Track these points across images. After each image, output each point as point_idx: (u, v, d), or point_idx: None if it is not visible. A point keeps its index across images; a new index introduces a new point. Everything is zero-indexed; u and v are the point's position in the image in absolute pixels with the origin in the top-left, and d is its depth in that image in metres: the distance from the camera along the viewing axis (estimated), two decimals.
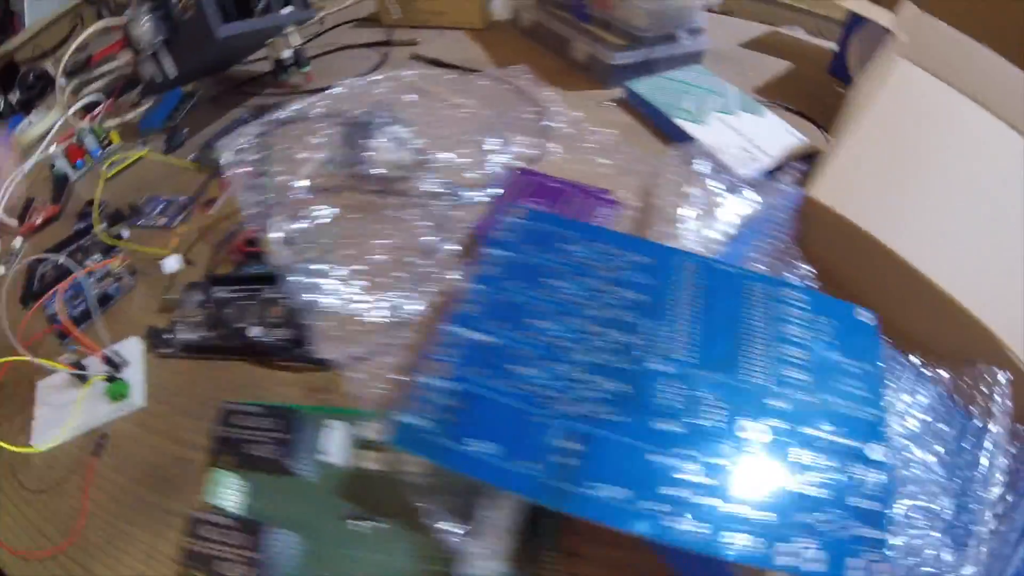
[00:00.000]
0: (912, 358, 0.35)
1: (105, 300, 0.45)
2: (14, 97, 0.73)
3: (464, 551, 0.24)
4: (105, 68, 0.67)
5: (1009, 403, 0.33)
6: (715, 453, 0.24)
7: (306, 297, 0.38)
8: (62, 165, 0.59)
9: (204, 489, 0.31)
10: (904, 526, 0.28)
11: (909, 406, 0.34)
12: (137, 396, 0.38)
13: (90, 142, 0.61)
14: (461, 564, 0.24)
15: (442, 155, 0.47)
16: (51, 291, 0.43)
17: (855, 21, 0.57)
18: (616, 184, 0.46)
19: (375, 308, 0.39)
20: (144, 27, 0.55)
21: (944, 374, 0.35)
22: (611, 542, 0.28)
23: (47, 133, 0.65)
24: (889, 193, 0.40)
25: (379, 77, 0.56)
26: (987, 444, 0.32)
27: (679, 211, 0.40)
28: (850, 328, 0.31)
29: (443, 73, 0.60)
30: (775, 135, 0.52)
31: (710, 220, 0.39)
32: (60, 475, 0.35)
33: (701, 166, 0.43)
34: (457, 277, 0.38)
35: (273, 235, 0.42)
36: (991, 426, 0.32)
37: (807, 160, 0.46)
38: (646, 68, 0.58)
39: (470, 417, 0.25)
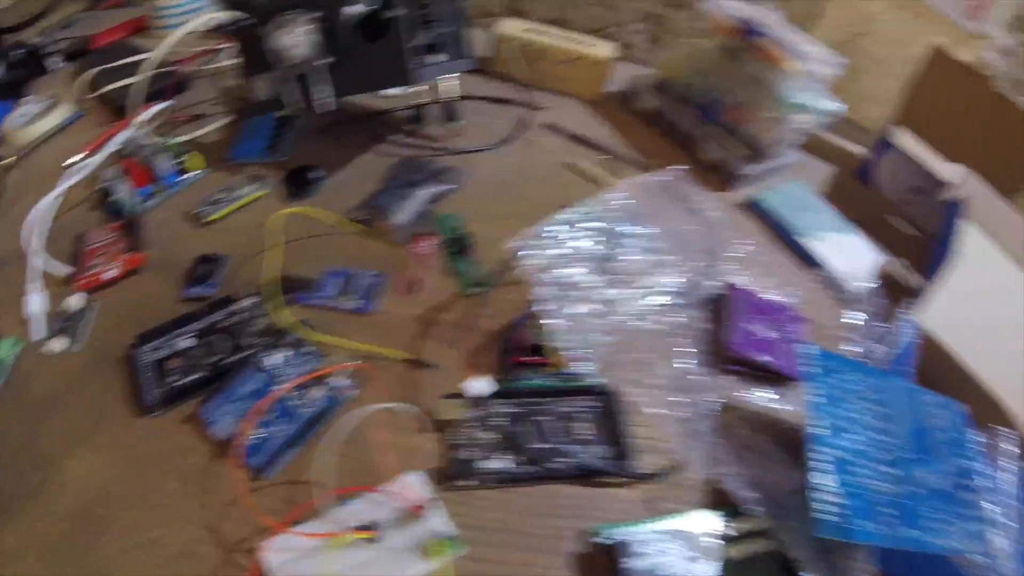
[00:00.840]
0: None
1: (316, 420, 0.37)
2: None
3: None
4: (134, 58, 0.53)
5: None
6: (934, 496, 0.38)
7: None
8: (124, 192, 0.45)
9: None
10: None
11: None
12: (461, 545, 0.34)
13: (164, 165, 0.47)
14: None
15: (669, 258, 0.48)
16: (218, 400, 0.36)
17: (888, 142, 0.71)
18: (782, 295, 0.52)
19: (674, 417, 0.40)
20: (300, 41, 0.45)
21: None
22: None
23: (56, 131, 0.50)
24: (970, 330, 0.53)
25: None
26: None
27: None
28: (961, 419, 0.45)
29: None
30: (864, 258, 0.62)
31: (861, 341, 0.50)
32: None
33: (848, 302, 0.53)
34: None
35: (576, 352, 0.40)
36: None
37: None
38: (761, 177, 0.65)
39: (868, 510, 0.35)
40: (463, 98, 0.61)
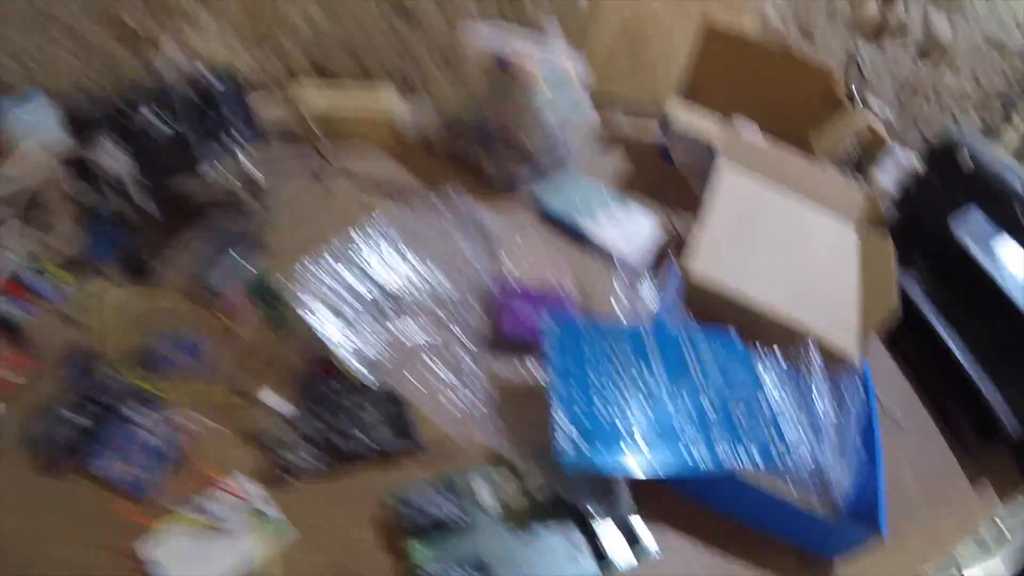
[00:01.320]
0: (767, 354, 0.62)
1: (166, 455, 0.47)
2: None
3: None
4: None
5: (819, 359, 0.59)
6: (697, 419, 0.49)
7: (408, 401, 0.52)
8: (11, 310, 0.56)
9: (410, 558, 0.43)
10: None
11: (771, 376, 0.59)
12: (286, 527, 0.45)
13: (41, 284, 0.57)
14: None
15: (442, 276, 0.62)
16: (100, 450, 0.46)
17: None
18: (559, 282, 0.66)
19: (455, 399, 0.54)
20: (111, 157, 0.57)
21: (784, 359, 0.60)
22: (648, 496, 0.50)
23: None
24: (734, 260, 0.67)
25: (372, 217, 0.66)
26: (813, 384, 0.58)
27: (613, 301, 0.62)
28: (731, 344, 0.58)
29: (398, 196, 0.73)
30: (643, 224, 0.77)
31: (629, 299, 0.63)
32: None
33: (612, 260, 0.67)
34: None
35: (351, 357, 0.53)
36: (814, 377, 0.58)
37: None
38: (538, 176, 0.79)
39: (595, 442, 0.46)
40: (276, 164, 0.74)
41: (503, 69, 0.75)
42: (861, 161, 0.95)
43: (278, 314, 0.57)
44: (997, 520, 0.63)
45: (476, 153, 0.79)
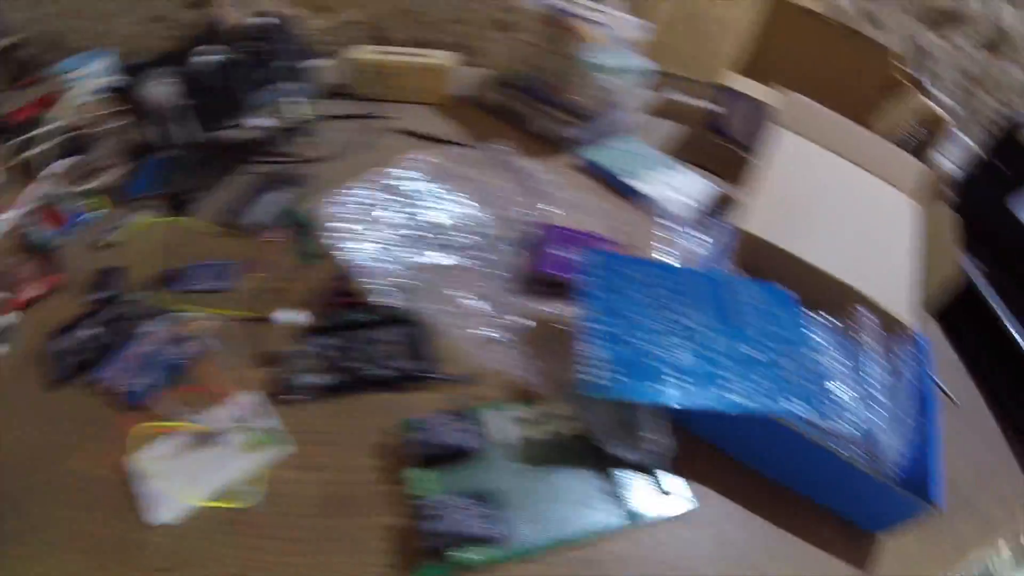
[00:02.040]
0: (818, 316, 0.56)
1: (178, 367, 0.47)
2: None
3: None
4: (45, 128, 0.65)
5: (874, 323, 0.53)
6: (736, 364, 0.44)
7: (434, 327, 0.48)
8: (41, 233, 0.57)
9: (412, 487, 0.39)
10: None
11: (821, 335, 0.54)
12: (284, 441, 0.43)
13: (71, 207, 0.59)
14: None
15: (481, 211, 0.59)
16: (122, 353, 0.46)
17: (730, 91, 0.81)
18: (611, 232, 0.61)
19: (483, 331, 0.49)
20: (163, 90, 0.58)
21: (837, 321, 0.55)
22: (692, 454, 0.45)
23: None
24: (788, 219, 0.61)
25: (413, 158, 0.66)
26: (866, 350, 0.52)
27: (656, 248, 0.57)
28: (782, 299, 0.52)
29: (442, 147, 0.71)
30: (693, 186, 0.72)
31: (675, 250, 0.58)
32: (199, 544, 0.37)
33: (661, 215, 0.61)
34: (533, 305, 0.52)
35: (383, 287, 0.50)
36: (868, 343, 0.53)
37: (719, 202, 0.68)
38: (591, 139, 0.75)
39: (631, 374, 0.41)
40: (327, 117, 0.73)
41: (558, 26, 0.72)
42: (921, 145, 0.86)
43: (308, 243, 0.55)
44: None
45: (526, 110, 0.76)
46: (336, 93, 0.75)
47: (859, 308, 0.55)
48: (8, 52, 0.76)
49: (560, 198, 0.65)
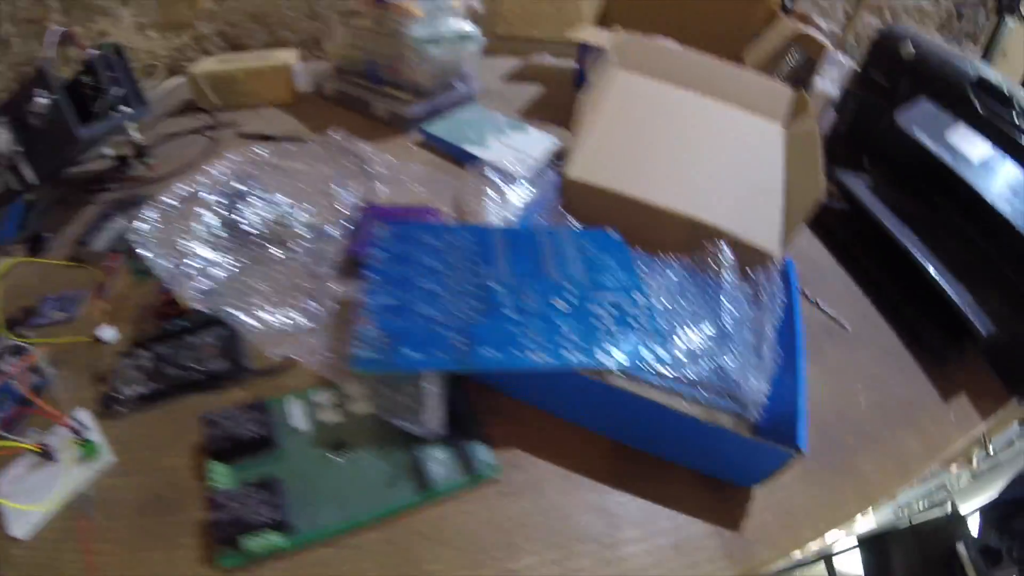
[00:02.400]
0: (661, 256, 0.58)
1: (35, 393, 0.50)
2: None
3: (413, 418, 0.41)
4: None
5: (730, 258, 0.54)
6: (542, 318, 0.44)
7: (235, 326, 0.51)
8: None
9: (209, 480, 0.42)
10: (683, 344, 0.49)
11: (668, 284, 0.55)
12: (106, 452, 0.46)
13: None
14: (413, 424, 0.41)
15: (299, 204, 0.61)
16: None
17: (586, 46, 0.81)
18: (437, 203, 0.64)
19: (285, 321, 0.52)
20: (3, 137, 0.61)
21: (688, 261, 0.57)
22: (502, 411, 0.46)
23: None
24: (622, 161, 0.62)
25: (233, 158, 0.68)
26: (724, 286, 0.53)
27: (481, 207, 0.59)
28: (605, 242, 0.53)
29: (275, 145, 0.73)
30: (538, 144, 0.73)
31: (504, 207, 0.58)
32: (50, 554, 0.40)
33: (491, 175, 0.63)
34: (342, 289, 0.53)
35: (189, 292, 0.53)
36: (724, 276, 0.54)
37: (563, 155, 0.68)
38: (434, 114, 0.77)
39: (397, 342, 0.42)
40: (172, 135, 0.76)
41: (381, 6, 0.73)
42: (800, 73, 0.84)
43: (138, 261, 0.59)
44: (989, 445, 0.54)
45: (367, 95, 0.78)
46: (189, 109, 0.78)
47: (715, 243, 0.55)
48: None
49: (392, 177, 0.67)
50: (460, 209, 0.63)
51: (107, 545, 0.41)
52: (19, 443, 0.45)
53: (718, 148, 0.66)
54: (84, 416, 0.49)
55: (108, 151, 0.69)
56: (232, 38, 0.90)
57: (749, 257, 0.56)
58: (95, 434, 0.47)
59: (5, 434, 0.46)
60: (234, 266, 0.56)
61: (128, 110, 0.68)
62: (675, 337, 0.49)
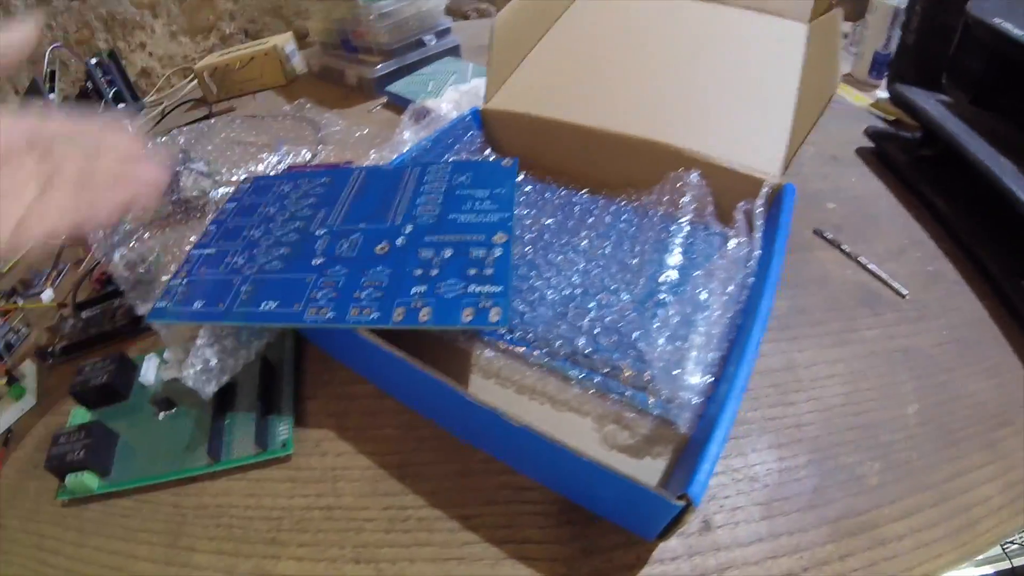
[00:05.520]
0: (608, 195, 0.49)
1: (9, 348, 0.57)
2: None
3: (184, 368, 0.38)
4: None
5: (700, 191, 0.45)
6: (347, 267, 0.37)
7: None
8: None
9: (66, 422, 0.44)
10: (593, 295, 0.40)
11: (602, 227, 0.47)
12: (31, 396, 0.50)
13: None
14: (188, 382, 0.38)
15: (233, 173, 0.62)
16: None
17: None
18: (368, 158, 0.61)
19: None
20: None
21: (644, 197, 0.47)
22: (334, 381, 0.42)
23: None
24: (569, 85, 0.53)
25: (177, 130, 0.72)
26: (681, 226, 0.44)
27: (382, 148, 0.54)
28: (489, 173, 0.44)
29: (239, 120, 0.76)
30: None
31: (396, 145, 0.54)
32: None
33: (408, 117, 0.59)
34: None
35: (115, 260, 0.57)
36: (679, 214, 0.44)
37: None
38: (405, 72, 0.74)
39: (192, 294, 0.39)
40: (176, 127, 0.82)
41: None
42: None
43: None
44: None
45: (342, 64, 0.77)
46: (199, 103, 0.84)
47: (679, 174, 0.45)
48: None
49: (342, 140, 0.66)
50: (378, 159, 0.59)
51: (12, 471, 0.45)
52: None
53: (715, 59, 0.54)
54: (27, 367, 0.54)
55: None
56: (254, 34, 0.96)
57: (739, 190, 0.44)
58: (30, 380, 0.52)
59: None
60: (156, 235, 0.58)
61: (122, 107, 0.74)
62: (591, 302, 0.40)
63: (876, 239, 0.50)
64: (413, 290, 0.35)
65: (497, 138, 0.55)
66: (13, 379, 0.52)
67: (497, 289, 0.34)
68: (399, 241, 0.39)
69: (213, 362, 0.37)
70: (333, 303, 0.35)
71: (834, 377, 0.40)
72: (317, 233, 0.41)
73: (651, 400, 0.35)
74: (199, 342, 0.37)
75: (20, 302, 0.63)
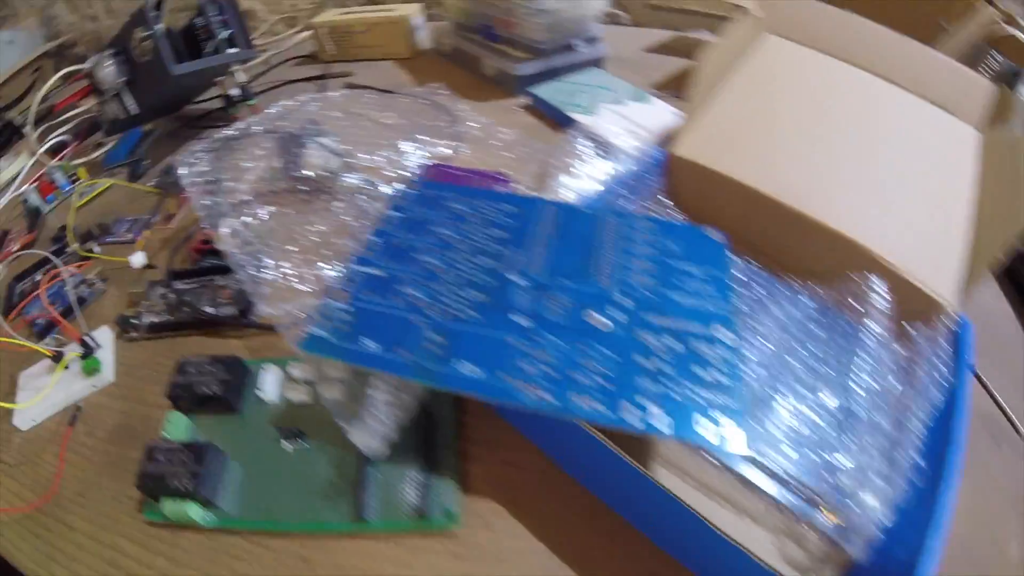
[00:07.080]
0: (788, 279, 0.42)
1: (80, 303, 0.51)
2: None
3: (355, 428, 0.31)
4: (70, 114, 0.75)
5: (886, 303, 0.38)
6: (560, 337, 0.31)
7: (250, 274, 0.45)
8: (34, 199, 0.66)
9: (161, 428, 0.38)
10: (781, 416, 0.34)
11: (786, 321, 0.40)
12: (108, 372, 0.44)
13: (59, 178, 0.68)
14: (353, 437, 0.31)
15: (363, 157, 0.55)
16: (32, 294, 0.50)
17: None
18: (518, 171, 0.53)
19: (305, 279, 0.46)
20: (107, 70, 0.63)
21: (820, 290, 0.41)
22: (501, 445, 0.35)
23: (18, 175, 0.73)
24: (755, 143, 0.47)
25: (309, 98, 0.65)
26: (865, 341, 0.37)
27: (559, 176, 0.47)
28: (699, 245, 0.38)
29: (368, 94, 0.69)
30: (659, 117, 0.60)
31: (581, 178, 0.47)
32: (38, 448, 0.40)
33: (582, 143, 0.52)
34: None
35: (223, 231, 0.50)
36: (869, 324, 0.37)
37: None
38: (549, 76, 0.67)
39: (359, 326, 0.31)
40: (287, 83, 0.75)
41: None
42: (1001, 83, 0.60)
43: None
44: None
45: (479, 52, 0.70)
46: (310, 59, 0.77)
47: (865, 276, 0.39)
48: (62, 49, 0.90)
49: (482, 138, 0.59)
50: (540, 181, 0.52)
51: (78, 458, 0.40)
52: (35, 347, 0.45)
53: (887, 144, 0.47)
54: (104, 334, 0.47)
55: (234, 91, 0.69)
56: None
57: (911, 304, 0.38)
58: (107, 353, 0.46)
59: (15, 336, 0.46)
60: (273, 212, 0.52)
61: (233, 51, 0.67)
62: (773, 402, 0.35)
63: (1003, 368, 0.43)
64: (639, 383, 0.28)
65: (676, 188, 0.48)
66: (88, 350, 0.45)
67: (732, 404, 0.28)
68: (615, 314, 0.32)
69: (387, 419, 0.31)
70: (550, 382, 0.29)
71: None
72: (514, 280, 0.34)
73: (830, 523, 0.31)
74: (371, 393, 0.31)
75: (96, 249, 0.57)
